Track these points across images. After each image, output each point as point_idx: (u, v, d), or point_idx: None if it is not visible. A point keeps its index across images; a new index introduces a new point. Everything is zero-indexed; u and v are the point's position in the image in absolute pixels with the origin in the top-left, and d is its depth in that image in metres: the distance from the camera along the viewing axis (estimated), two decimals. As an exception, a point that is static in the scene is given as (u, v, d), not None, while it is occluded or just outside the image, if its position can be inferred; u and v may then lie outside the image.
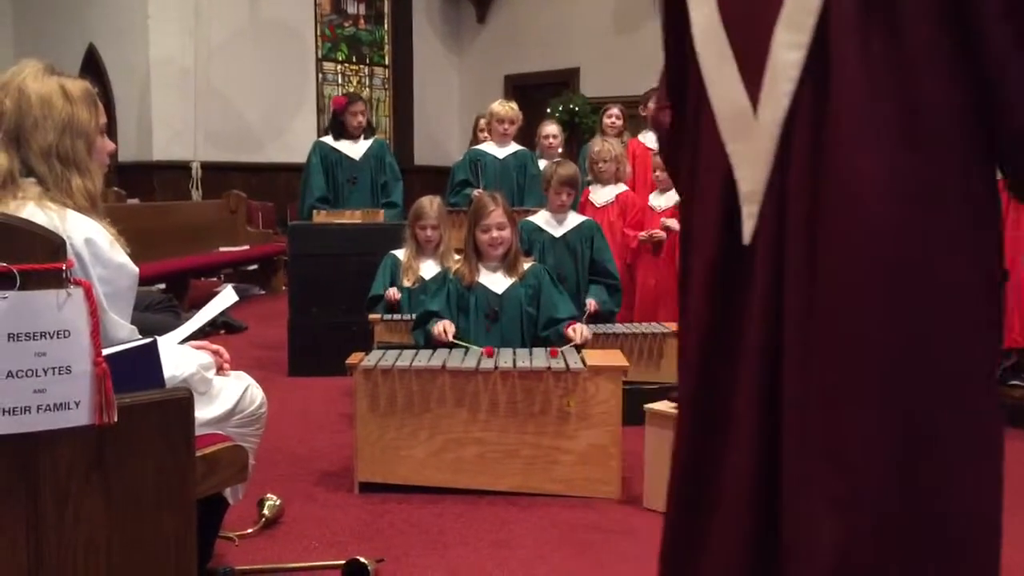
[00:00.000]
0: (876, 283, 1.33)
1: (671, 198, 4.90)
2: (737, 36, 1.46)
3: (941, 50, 1.30)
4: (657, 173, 5.02)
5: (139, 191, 8.94)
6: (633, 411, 3.21)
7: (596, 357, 3.30)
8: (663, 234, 4.82)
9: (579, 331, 3.50)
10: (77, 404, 1.46)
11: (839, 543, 1.35)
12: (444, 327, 3.48)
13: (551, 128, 6.01)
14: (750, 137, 1.44)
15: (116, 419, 1.49)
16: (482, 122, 6.09)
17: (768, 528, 1.44)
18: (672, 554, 1.59)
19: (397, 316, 4.28)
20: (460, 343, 3.44)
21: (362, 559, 2.48)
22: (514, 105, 5.77)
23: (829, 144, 1.35)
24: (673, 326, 4.25)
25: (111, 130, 7.22)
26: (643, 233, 4.91)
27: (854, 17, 1.33)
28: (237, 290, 2.57)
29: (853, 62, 1.33)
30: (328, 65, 11.27)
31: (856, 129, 1.33)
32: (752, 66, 1.43)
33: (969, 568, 1.37)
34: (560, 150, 5.89)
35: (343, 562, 2.50)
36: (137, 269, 2.00)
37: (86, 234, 1.88)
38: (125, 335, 1.93)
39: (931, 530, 1.35)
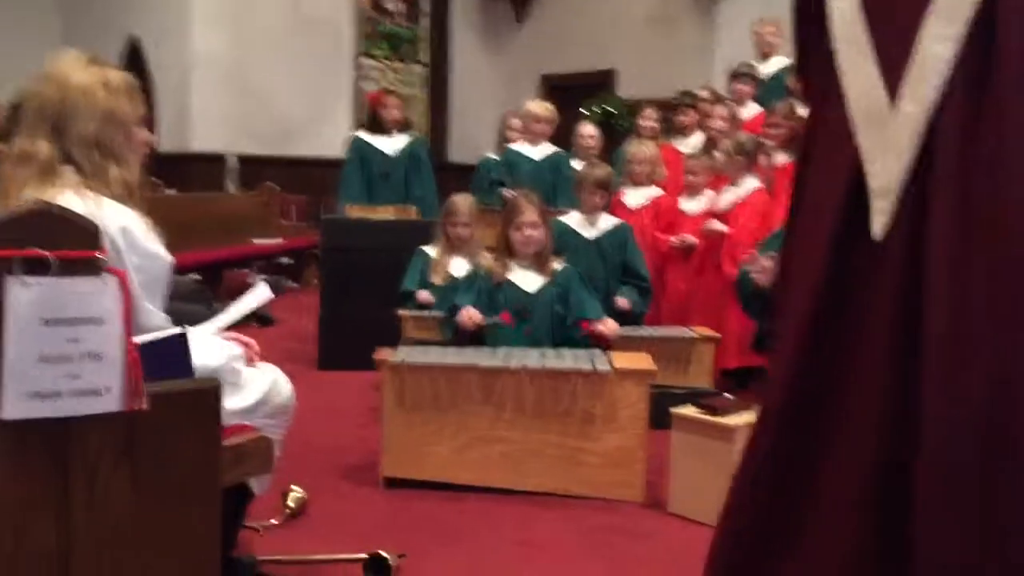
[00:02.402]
0: None
1: (702, 202, 4.87)
2: (878, 25, 1.43)
3: None
4: (689, 177, 4.99)
5: (176, 182, 9.04)
6: (659, 415, 3.20)
7: (624, 360, 3.29)
8: (694, 239, 4.78)
9: (608, 324, 3.51)
10: (108, 390, 1.47)
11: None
12: (469, 314, 3.50)
13: (589, 128, 6.00)
14: (886, 130, 1.40)
15: (146, 406, 1.51)
16: (512, 121, 6.08)
17: (884, 535, 1.41)
18: (748, 543, 1.54)
19: (427, 312, 4.30)
20: (488, 321, 3.48)
21: (384, 553, 2.49)
22: (550, 105, 5.77)
23: (988, 144, 1.32)
24: (702, 331, 4.23)
25: (150, 121, 7.30)
26: (674, 238, 4.88)
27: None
28: (269, 283, 2.59)
29: (1019, 60, 1.31)
30: (366, 61, 11.32)
31: (1016, 139, 1.31)
32: (892, 57, 1.40)
33: None
34: (597, 151, 5.87)
35: (365, 556, 2.52)
36: (171, 258, 2.02)
37: (122, 223, 1.90)
38: (158, 323, 1.95)
39: None
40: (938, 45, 1.35)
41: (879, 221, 1.41)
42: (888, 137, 1.40)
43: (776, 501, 1.51)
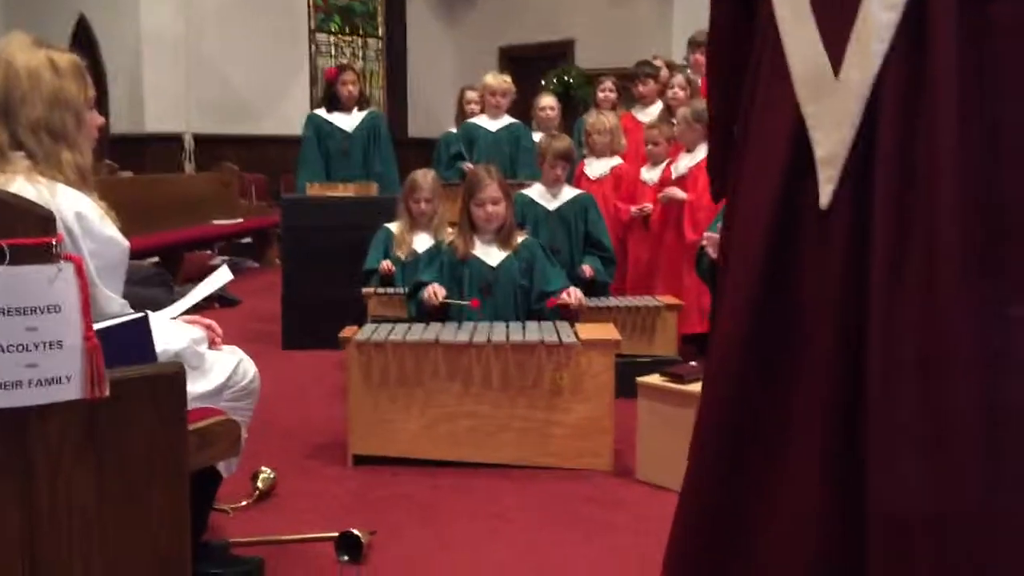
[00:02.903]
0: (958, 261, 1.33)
1: (663, 171, 4.89)
2: None
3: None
4: (649, 147, 5.00)
5: (131, 164, 8.89)
6: (625, 384, 3.22)
7: (589, 331, 3.30)
8: (651, 207, 4.81)
9: (573, 294, 3.50)
10: (68, 379, 1.46)
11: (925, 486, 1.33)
12: (433, 290, 3.49)
13: (548, 100, 5.99)
14: (830, 98, 1.41)
15: (108, 393, 1.49)
16: (469, 94, 6.06)
17: (843, 503, 1.41)
18: (711, 517, 1.54)
19: (391, 290, 4.29)
20: (451, 301, 3.45)
21: (355, 531, 2.49)
22: (507, 78, 5.75)
23: (924, 115, 1.34)
24: (666, 299, 4.26)
25: (102, 102, 7.16)
26: (634, 208, 4.90)
27: None
28: (230, 263, 2.57)
29: (949, 31, 1.32)
30: (321, 36, 11.18)
31: (949, 106, 1.32)
32: (835, 25, 1.40)
33: None
34: (557, 122, 5.87)
35: (336, 534, 2.52)
36: (127, 243, 2.00)
37: (76, 208, 1.88)
38: (117, 309, 1.93)
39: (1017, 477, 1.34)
40: (883, 12, 1.36)
41: (827, 190, 1.41)
42: (833, 105, 1.40)
43: (734, 478, 1.51)
